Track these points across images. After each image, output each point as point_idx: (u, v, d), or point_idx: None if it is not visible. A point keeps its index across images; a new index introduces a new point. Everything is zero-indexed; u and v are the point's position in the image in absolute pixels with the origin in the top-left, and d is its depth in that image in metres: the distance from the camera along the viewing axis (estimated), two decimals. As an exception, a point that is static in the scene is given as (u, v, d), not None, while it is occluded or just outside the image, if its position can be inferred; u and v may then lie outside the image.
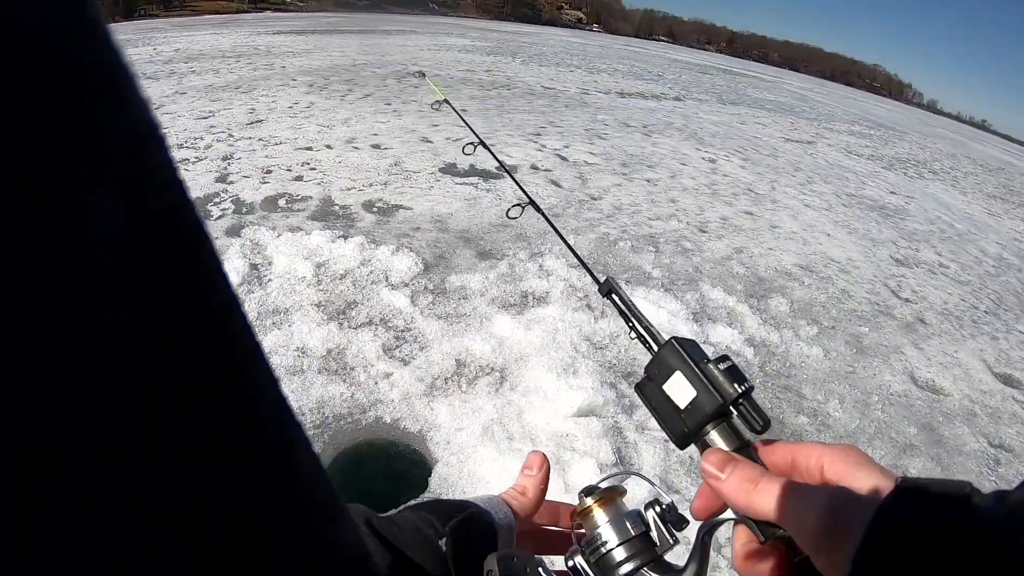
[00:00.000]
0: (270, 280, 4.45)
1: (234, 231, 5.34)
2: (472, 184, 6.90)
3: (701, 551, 0.62)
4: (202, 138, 8.60)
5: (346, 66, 17.47)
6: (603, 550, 0.65)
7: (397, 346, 3.88)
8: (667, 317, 4.61)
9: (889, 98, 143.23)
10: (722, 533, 0.62)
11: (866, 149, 17.13)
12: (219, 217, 5.68)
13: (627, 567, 0.64)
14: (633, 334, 0.76)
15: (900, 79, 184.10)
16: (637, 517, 0.68)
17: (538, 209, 1.45)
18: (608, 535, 0.66)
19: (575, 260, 4.56)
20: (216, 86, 13.34)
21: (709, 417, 0.62)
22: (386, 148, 8.15)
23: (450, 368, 3.70)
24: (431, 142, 8.60)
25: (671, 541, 0.66)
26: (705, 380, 0.63)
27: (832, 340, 4.87)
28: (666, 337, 0.70)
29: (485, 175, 7.33)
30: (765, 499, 0.53)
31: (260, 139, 8.45)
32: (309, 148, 8.02)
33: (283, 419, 0.29)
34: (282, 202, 6.05)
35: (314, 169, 7.13)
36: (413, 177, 6.98)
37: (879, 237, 8.03)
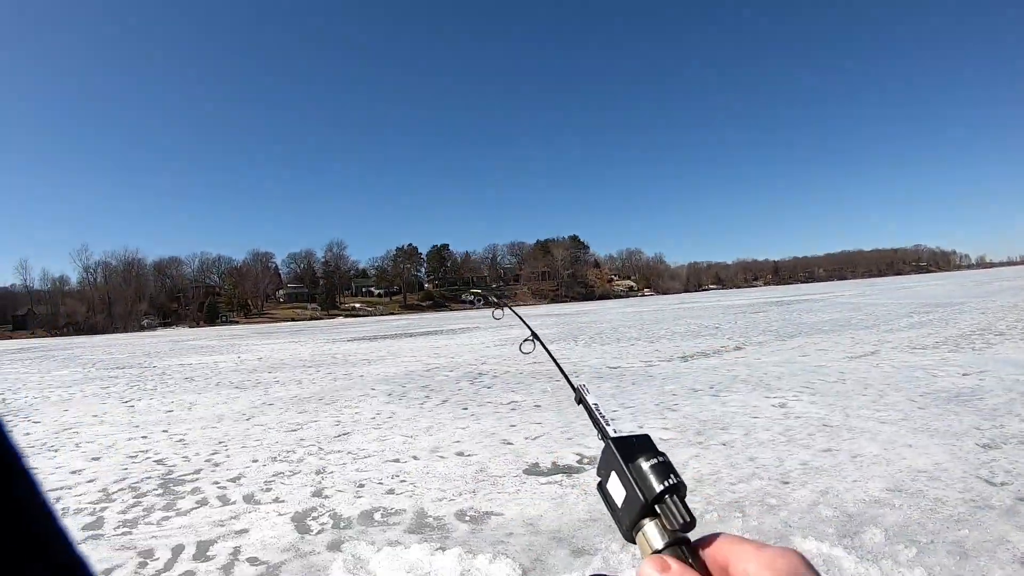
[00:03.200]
0: (375, 598, 4.58)
1: (335, 546, 5.52)
2: (557, 483, 7.03)
3: None
4: (294, 451, 9.02)
5: (420, 372, 18.27)
6: None
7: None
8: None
9: (938, 271, 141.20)
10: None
11: (929, 337, 16.94)
12: (319, 532, 5.88)
13: None
14: (599, 436, 0.81)
15: (943, 249, 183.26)
16: None
17: (539, 340, 1.61)
18: None
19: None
20: (301, 397, 14.07)
21: (639, 514, 0.67)
22: (470, 454, 8.41)
23: None
24: (511, 443, 8.85)
25: None
26: (631, 479, 0.69)
27: (933, 555, 4.64)
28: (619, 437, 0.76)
29: (568, 471, 7.46)
30: None
31: (349, 452, 8.83)
32: (396, 460, 8.33)
33: None
34: (377, 516, 6.25)
35: (404, 481, 7.37)
36: (499, 482, 7.16)
37: (960, 428, 7.79)
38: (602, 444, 0.77)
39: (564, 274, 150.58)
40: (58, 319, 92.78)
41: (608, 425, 0.82)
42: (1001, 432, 7.53)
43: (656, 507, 0.66)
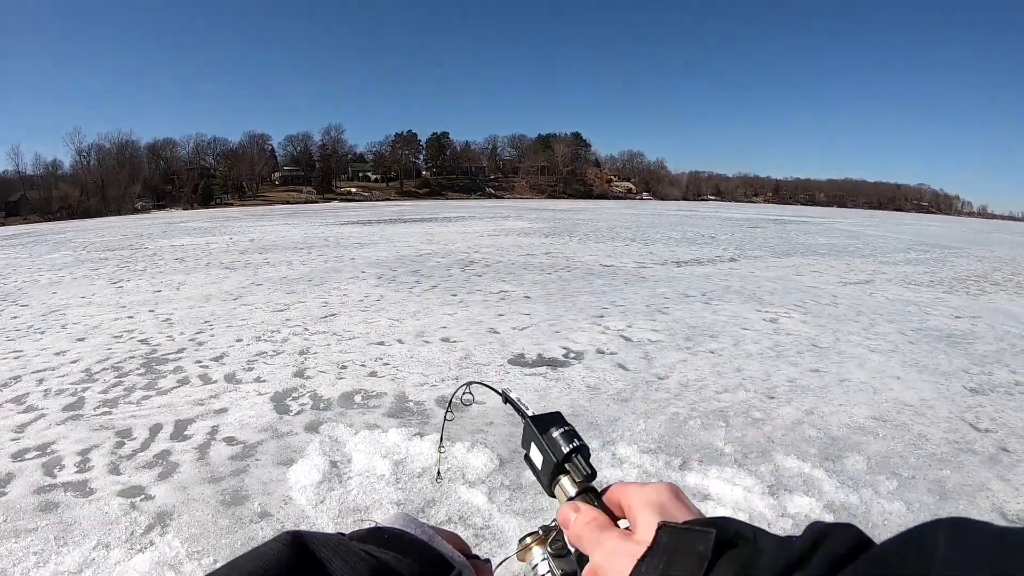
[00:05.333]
0: (350, 478, 4.54)
1: (313, 427, 5.51)
2: (541, 375, 7.01)
3: (579, 567, 0.83)
4: (279, 331, 8.99)
5: (411, 257, 18.24)
6: (537, 572, 0.87)
7: (476, 544, 3.86)
8: (742, 494, 4.44)
9: (939, 213, 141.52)
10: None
11: (924, 276, 16.91)
12: (298, 412, 5.87)
13: None
14: (522, 420, 0.92)
15: (946, 193, 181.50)
16: (561, 546, 0.88)
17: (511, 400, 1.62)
18: (542, 566, 0.87)
19: (648, 447, 4.61)
20: (290, 278, 14.01)
21: (553, 472, 0.81)
22: (455, 341, 8.38)
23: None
24: (498, 332, 8.82)
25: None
26: (546, 445, 0.83)
27: (914, 491, 4.66)
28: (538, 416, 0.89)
29: (553, 363, 7.46)
30: (583, 544, 0.67)
31: (334, 333, 8.81)
32: (381, 343, 8.31)
33: None
34: (358, 398, 6.23)
35: (387, 364, 7.35)
36: (483, 370, 7.13)
37: (949, 369, 7.80)
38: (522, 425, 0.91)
39: (564, 170, 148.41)
40: (51, 204, 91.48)
41: (528, 409, 0.95)
42: (989, 379, 7.45)
43: (566, 465, 0.81)
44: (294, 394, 6.37)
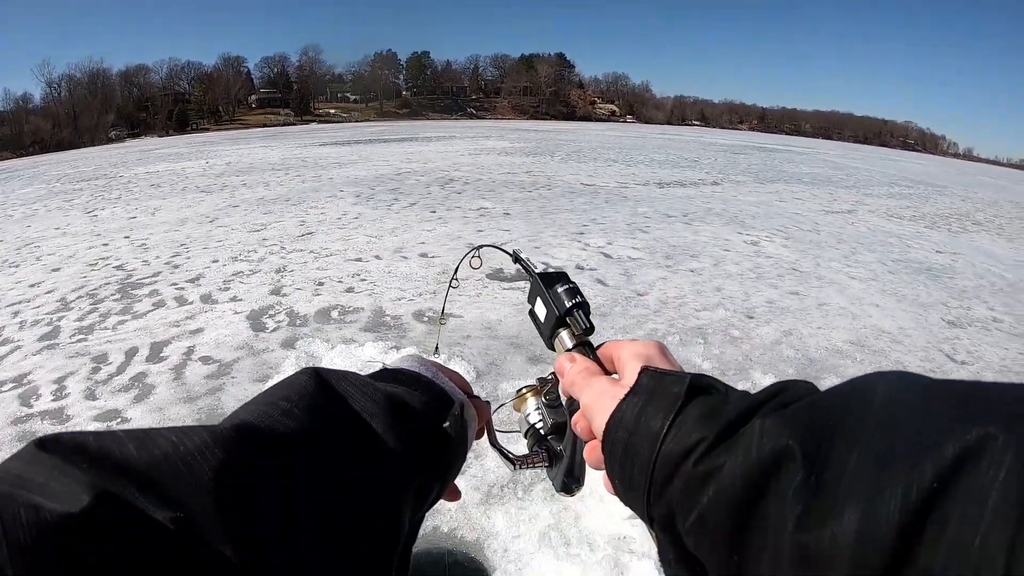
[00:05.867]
0: (326, 393, 4.56)
1: (289, 343, 5.50)
2: (519, 289, 7.00)
3: (568, 417, 0.83)
4: (255, 251, 8.91)
5: (390, 175, 18.01)
6: (529, 421, 0.96)
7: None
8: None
9: (924, 152, 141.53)
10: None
11: (907, 210, 16.93)
12: (274, 330, 5.85)
13: (540, 430, 0.95)
14: (528, 279, 0.97)
15: (933, 132, 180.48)
16: (555, 398, 0.94)
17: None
18: (534, 414, 0.96)
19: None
20: (267, 199, 13.84)
21: (555, 325, 0.86)
22: (433, 256, 8.34)
23: (505, 476, 3.72)
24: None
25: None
26: (550, 299, 0.87)
27: None
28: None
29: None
30: (575, 391, 0.73)
31: (311, 251, 8.74)
32: (359, 259, 8.26)
33: None
34: (335, 314, 6.22)
35: (364, 280, 7.32)
36: (461, 285, 7.10)
37: (928, 300, 7.89)
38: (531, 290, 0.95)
39: (547, 92, 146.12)
40: (23, 139, 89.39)
41: (535, 268, 1.00)
42: (967, 314, 7.48)
43: (567, 319, 0.85)
44: (270, 312, 6.35)
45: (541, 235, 9.73)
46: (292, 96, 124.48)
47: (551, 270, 0.94)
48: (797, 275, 8.38)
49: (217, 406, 4.46)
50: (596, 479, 0.69)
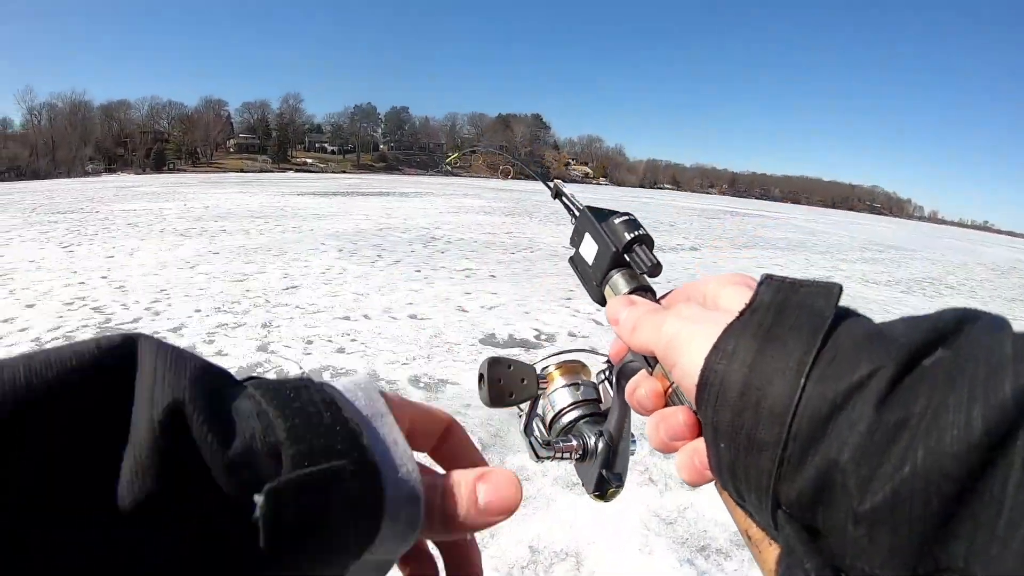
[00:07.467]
0: (323, 462, 4.35)
1: (281, 405, 5.29)
2: (515, 356, 6.86)
3: (616, 391, 0.73)
4: (239, 302, 8.69)
5: (372, 230, 17.91)
6: (554, 408, 0.82)
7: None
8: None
9: (891, 216, 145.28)
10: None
11: (882, 275, 17.20)
12: (264, 389, 5.64)
13: (570, 415, 0.82)
14: (572, 219, 0.85)
15: (899, 196, 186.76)
16: (589, 383, 0.84)
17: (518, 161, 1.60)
18: (562, 395, 0.83)
19: (632, 428, 4.48)
20: (248, 247, 13.65)
21: (609, 264, 0.70)
22: (424, 318, 8.18)
23: (524, 556, 3.53)
24: (467, 311, 8.64)
25: (613, 395, 0.76)
26: (603, 233, 0.72)
27: None
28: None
29: (526, 345, 7.31)
30: (643, 334, 0.52)
31: (297, 306, 8.53)
32: (347, 318, 8.06)
33: None
34: (327, 375, 5.98)
35: (355, 340, 7.12)
36: (455, 349, 6.95)
37: None
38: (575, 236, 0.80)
39: (522, 151, 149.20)
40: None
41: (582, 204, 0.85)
42: None
43: (625, 256, 0.69)
44: (259, 369, 6.12)
45: (529, 299, 9.61)
46: (271, 143, 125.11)
47: (603, 207, 0.80)
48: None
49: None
50: (656, 467, 0.51)
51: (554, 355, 0.85)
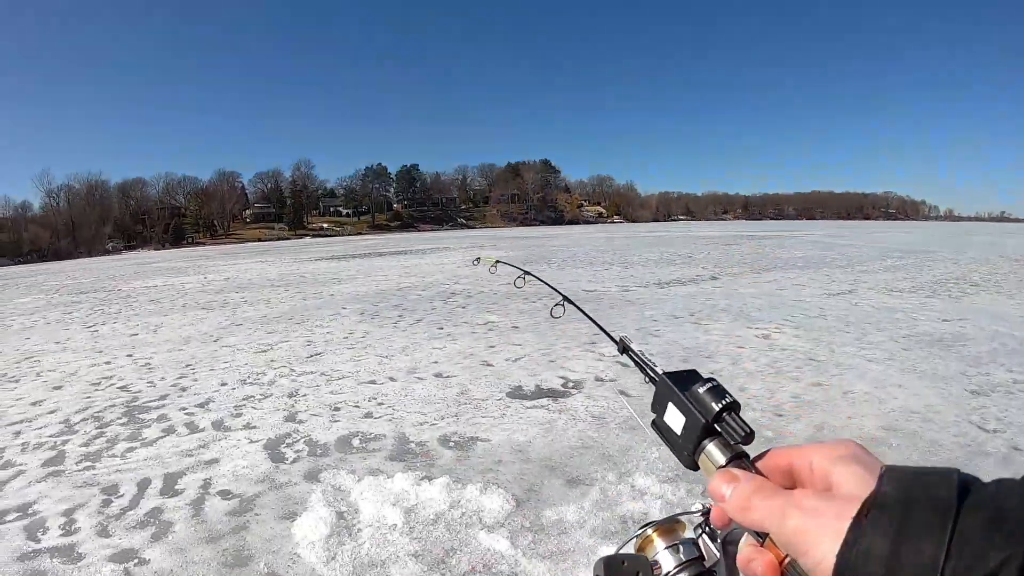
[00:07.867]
0: (360, 530, 4.25)
1: (312, 476, 5.21)
2: (543, 407, 6.77)
3: (724, 556, 0.75)
4: (264, 373, 8.69)
5: (392, 291, 17.97)
6: (658, 570, 0.80)
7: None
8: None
9: (907, 220, 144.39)
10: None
11: (904, 282, 17.02)
12: (294, 460, 5.56)
13: None
14: (646, 380, 0.85)
15: (912, 198, 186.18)
16: (689, 542, 0.82)
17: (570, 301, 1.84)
18: (665, 559, 0.81)
19: (666, 475, 4.38)
20: (270, 317, 13.70)
21: (700, 435, 0.68)
22: (449, 376, 8.13)
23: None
24: (491, 365, 8.59)
25: (717, 555, 0.78)
26: (689, 403, 0.70)
27: None
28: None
29: (553, 394, 7.22)
30: (755, 516, 0.54)
31: (322, 373, 8.51)
32: (372, 381, 8.02)
33: None
34: (356, 441, 5.94)
35: (381, 404, 7.07)
36: (483, 405, 6.88)
37: (947, 373, 7.71)
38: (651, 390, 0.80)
39: (534, 198, 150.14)
40: (21, 246, 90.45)
41: (656, 366, 0.85)
42: (988, 380, 7.39)
43: (716, 426, 0.68)
44: (288, 440, 6.07)
45: (553, 347, 9.55)
46: (286, 211, 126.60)
47: (679, 369, 0.77)
48: (815, 365, 8.23)
49: (243, 547, 4.14)
50: None
51: (649, 524, 0.84)
